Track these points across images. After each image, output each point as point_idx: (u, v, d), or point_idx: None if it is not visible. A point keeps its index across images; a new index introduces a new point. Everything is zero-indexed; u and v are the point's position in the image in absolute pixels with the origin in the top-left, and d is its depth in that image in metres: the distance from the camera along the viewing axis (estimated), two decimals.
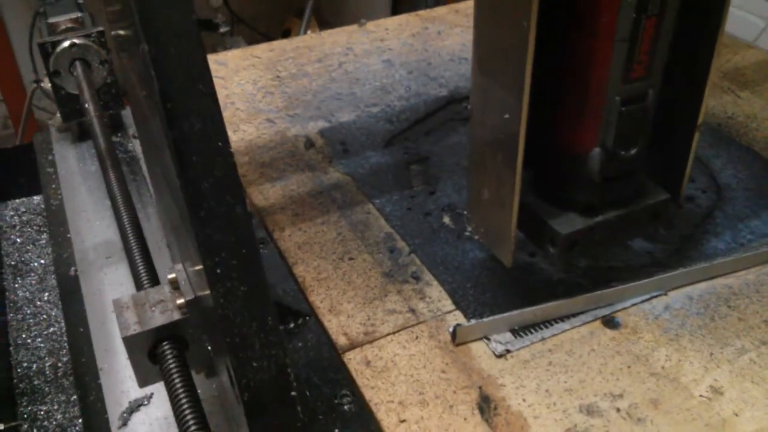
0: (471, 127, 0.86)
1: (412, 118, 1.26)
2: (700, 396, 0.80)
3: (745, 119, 1.27)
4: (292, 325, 0.88)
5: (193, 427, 0.70)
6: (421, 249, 0.99)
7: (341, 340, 0.86)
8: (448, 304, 0.91)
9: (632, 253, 0.98)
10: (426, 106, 1.28)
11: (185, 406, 0.72)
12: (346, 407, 0.78)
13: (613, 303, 0.90)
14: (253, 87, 1.36)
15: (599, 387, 0.81)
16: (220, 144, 0.57)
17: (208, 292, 0.69)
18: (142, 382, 0.77)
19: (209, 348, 0.77)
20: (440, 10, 1.65)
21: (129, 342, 0.74)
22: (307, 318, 0.89)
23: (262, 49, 1.48)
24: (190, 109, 0.55)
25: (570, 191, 0.87)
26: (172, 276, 0.77)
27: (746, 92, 1.35)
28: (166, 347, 0.75)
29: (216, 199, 0.57)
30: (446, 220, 1.04)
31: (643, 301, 0.91)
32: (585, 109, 0.82)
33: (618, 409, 0.78)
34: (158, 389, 0.95)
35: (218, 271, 0.58)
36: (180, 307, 0.75)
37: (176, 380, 0.73)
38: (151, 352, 0.76)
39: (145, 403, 0.92)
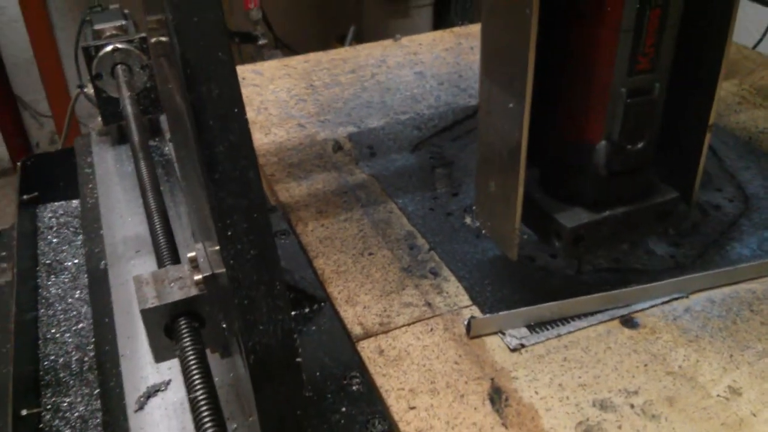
0: (479, 123, 0.87)
1: (440, 125, 1.27)
2: (718, 396, 0.78)
3: None
4: (307, 309, 0.89)
5: (202, 401, 0.71)
6: (440, 246, 0.99)
7: (356, 330, 0.87)
8: (465, 299, 0.91)
9: (655, 257, 0.97)
10: (454, 115, 1.30)
11: (197, 382, 0.73)
12: (354, 388, 0.78)
13: (632, 303, 0.89)
14: (287, 95, 1.40)
15: (614, 383, 0.80)
16: (236, 110, 0.59)
17: (224, 269, 0.71)
18: (159, 357, 0.78)
19: (224, 326, 0.79)
20: (474, 28, 1.67)
21: (146, 315, 0.76)
22: (323, 304, 0.90)
23: (297, 60, 1.52)
24: (209, 74, 0.57)
25: (576, 186, 0.87)
26: (191, 254, 0.79)
27: None
28: (183, 323, 0.77)
29: (230, 163, 0.59)
30: (467, 220, 1.04)
31: (663, 303, 0.90)
32: (591, 101, 0.82)
33: (632, 405, 0.77)
34: (176, 375, 0.96)
35: (229, 233, 0.60)
36: (198, 283, 0.77)
37: (190, 355, 0.75)
38: (168, 328, 0.78)
39: (163, 388, 0.93)
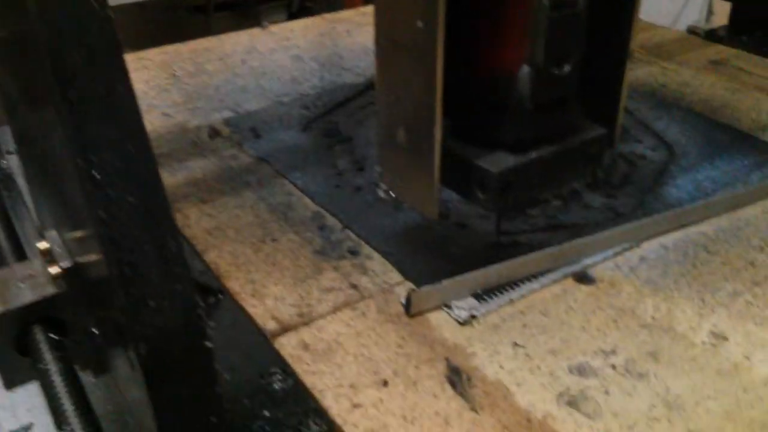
0: (375, 54, 0.73)
1: (329, 104, 1.13)
2: (703, 343, 0.68)
3: (678, 86, 1.21)
4: (201, 304, 0.71)
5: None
6: (356, 223, 0.84)
7: (270, 325, 0.70)
8: (395, 275, 0.76)
9: (593, 210, 0.87)
10: (344, 92, 1.16)
11: (66, 407, 0.53)
12: (276, 386, 0.61)
13: (582, 258, 0.78)
14: (145, 86, 1.20)
15: (586, 345, 0.67)
16: (95, 4, 0.41)
17: (92, 256, 0.52)
18: (9, 382, 0.58)
19: (94, 332, 0.60)
20: (347, 13, 1.55)
21: None
22: (220, 296, 0.72)
23: (154, 53, 1.33)
24: None
25: (498, 127, 0.74)
26: (43, 245, 0.60)
27: (673, 64, 1.30)
28: (39, 332, 0.57)
29: (90, 76, 0.42)
30: (381, 193, 0.90)
31: (615, 255, 0.80)
32: (509, 19, 0.70)
33: (613, 366, 0.65)
34: (39, 416, 0.75)
35: (96, 174, 0.42)
36: (56, 278, 0.57)
37: (53, 374, 0.55)
38: (19, 341, 0.57)
39: None
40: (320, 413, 0.59)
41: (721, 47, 1.38)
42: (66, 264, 0.57)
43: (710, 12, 2.08)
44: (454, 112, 0.73)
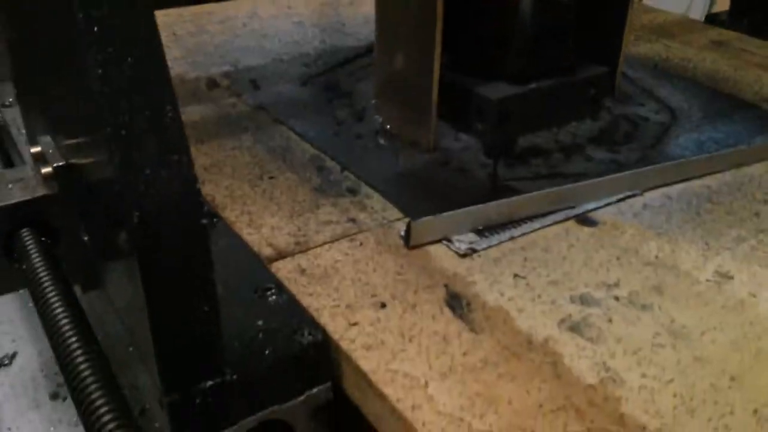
0: None
1: (330, 63, 1.11)
2: (707, 281, 0.66)
3: (680, 60, 1.20)
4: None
5: (72, 340, 0.50)
6: (355, 166, 0.83)
7: (266, 251, 0.68)
8: (394, 212, 0.75)
9: (595, 162, 0.86)
10: (345, 54, 1.15)
11: (59, 312, 0.51)
12: (271, 299, 0.59)
13: (584, 203, 0.77)
14: None
15: (589, 278, 0.66)
16: None
17: (87, 158, 0.51)
18: None
19: (86, 240, 0.58)
20: None
21: None
22: (215, 220, 0.70)
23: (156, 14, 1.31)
24: None
25: (498, 58, 0.73)
26: (35, 149, 0.58)
27: (675, 43, 1.29)
28: (28, 235, 0.55)
29: None
30: (381, 141, 0.88)
31: (617, 201, 0.78)
32: None
33: (617, 298, 0.63)
34: (23, 346, 0.73)
35: (95, 30, 0.40)
36: (46, 178, 0.56)
37: (43, 278, 0.53)
38: (6, 244, 0.55)
39: (6, 363, 0.70)
40: (314, 324, 0.57)
41: (723, 30, 1.38)
42: (58, 163, 0.55)
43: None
44: (456, 46, 0.72)
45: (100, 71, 0.40)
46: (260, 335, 0.54)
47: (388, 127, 0.75)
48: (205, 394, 0.49)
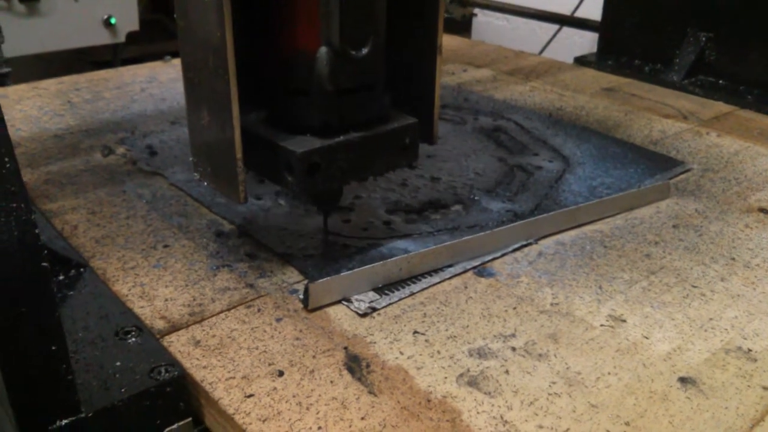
0: (179, 42, 0.71)
1: None
2: (602, 325, 0.68)
3: (573, 109, 1.25)
4: (62, 277, 0.68)
5: None
6: (254, 230, 0.82)
7: (158, 324, 0.66)
8: (294, 275, 0.74)
9: (491, 213, 0.88)
10: None
11: None
12: (131, 341, 0.59)
13: (482, 254, 0.78)
14: (38, 112, 1.16)
15: (486, 330, 0.66)
16: None
17: None
18: None
19: None
20: None
21: None
22: (82, 270, 0.68)
23: (49, 83, 1.28)
24: None
25: (303, 112, 0.73)
26: None
27: (568, 91, 1.35)
28: None
29: None
30: (282, 202, 0.88)
31: (513, 251, 0.80)
32: None
33: (513, 348, 0.64)
34: None
35: None
36: None
37: None
38: None
39: None
40: (173, 362, 0.57)
41: (612, 77, 1.45)
42: None
43: None
44: (266, 101, 0.73)
45: None
46: (117, 375, 0.55)
47: (205, 183, 0.74)
48: None
